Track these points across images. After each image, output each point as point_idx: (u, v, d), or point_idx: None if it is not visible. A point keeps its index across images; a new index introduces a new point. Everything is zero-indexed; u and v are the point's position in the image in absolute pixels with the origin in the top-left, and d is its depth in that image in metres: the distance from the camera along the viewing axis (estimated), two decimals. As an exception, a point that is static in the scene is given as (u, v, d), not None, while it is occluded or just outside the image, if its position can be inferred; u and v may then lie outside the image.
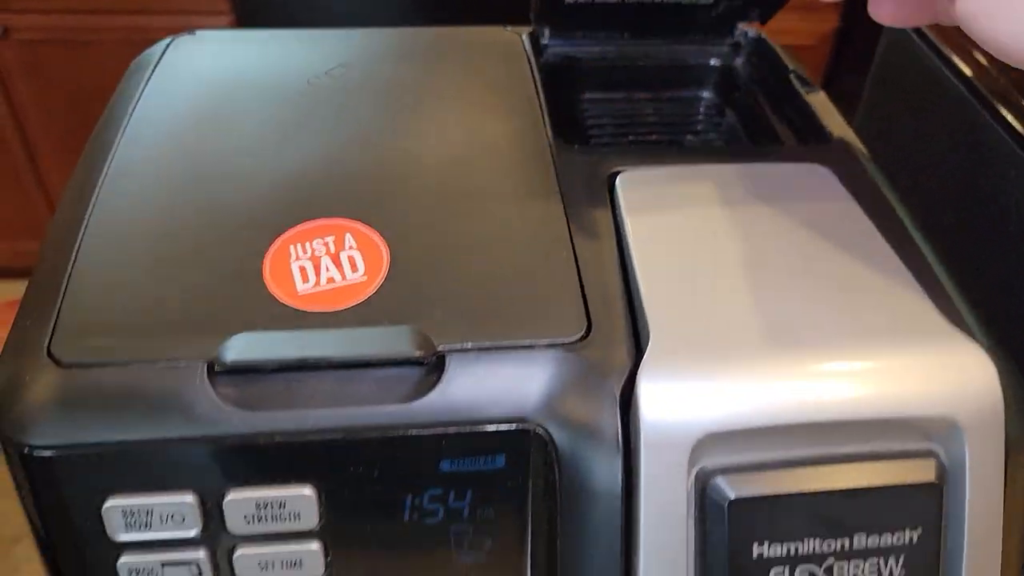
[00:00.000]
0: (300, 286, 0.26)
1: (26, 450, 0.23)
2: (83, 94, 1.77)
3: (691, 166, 0.31)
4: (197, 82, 0.35)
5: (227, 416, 0.24)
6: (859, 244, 0.27)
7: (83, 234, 0.27)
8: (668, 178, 0.30)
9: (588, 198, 0.30)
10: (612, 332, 0.25)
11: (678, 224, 0.28)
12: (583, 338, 0.25)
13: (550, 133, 0.33)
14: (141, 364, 0.24)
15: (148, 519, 0.25)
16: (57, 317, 0.25)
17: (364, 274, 0.27)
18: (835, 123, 0.35)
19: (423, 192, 0.30)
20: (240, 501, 0.25)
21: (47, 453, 0.23)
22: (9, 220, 1.94)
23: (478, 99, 0.35)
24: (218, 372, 0.24)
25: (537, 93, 0.35)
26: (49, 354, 0.24)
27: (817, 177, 0.30)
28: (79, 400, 0.24)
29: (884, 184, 0.31)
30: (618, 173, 0.31)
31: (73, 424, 0.23)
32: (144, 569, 0.25)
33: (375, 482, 0.25)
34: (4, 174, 1.85)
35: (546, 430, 0.24)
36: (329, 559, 0.26)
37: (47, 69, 1.70)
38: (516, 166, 0.31)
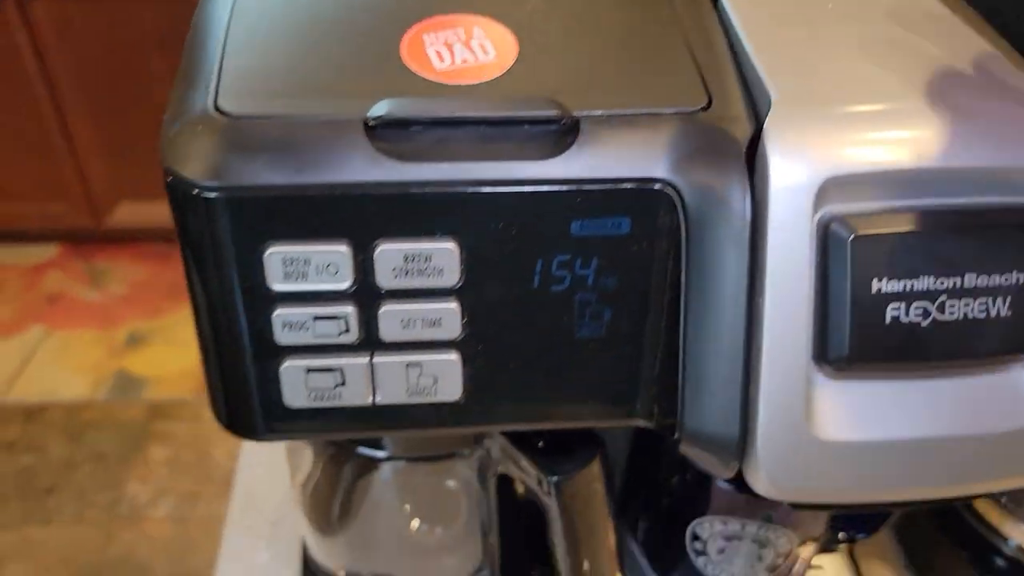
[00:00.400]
0: (437, 65, 0.28)
1: (196, 191, 0.25)
2: (114, 54, 1.79)
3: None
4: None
5: (382, 166, 0.26)
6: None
7: (231, 13, 0.29)
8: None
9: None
10: (731, 102, 0.27)
11: None
12: (705, 108, 0.27)
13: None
14: (304, 117, 0.26)
15: (305, 268, 0.26)
16: (219, 78, 0.27)
17: (496, 57, 0.28)
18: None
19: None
20: (390, 252, 0.26)
21: (217, 195, 0.25)
22: (37, 183, 1.96)
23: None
24: (374, 127, 0.26)
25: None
26: (216, 108, 0.26)
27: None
28: (247, 148, 0.25)
29: None
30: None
31: (241, 169, 0.25)
32: (296, 322, 0.27)
33: (511, 240, 0.27)
34: (33, 136, 1.88)
35: (675, 189, 0.26)
36: (465, 320, 0.28)
37: (77, 28, 1.73)
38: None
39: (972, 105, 0.25)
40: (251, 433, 0.30)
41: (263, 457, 0.59)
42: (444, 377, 0.29)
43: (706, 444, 0.28)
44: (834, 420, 0.27)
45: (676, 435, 0.29)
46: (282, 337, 0.27)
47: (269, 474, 0.58)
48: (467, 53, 0.28)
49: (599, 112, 0.27)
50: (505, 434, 0.35)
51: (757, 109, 0.27)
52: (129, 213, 2.04)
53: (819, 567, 0.45)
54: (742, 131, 0.27)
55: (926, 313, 0.25)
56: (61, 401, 1.79)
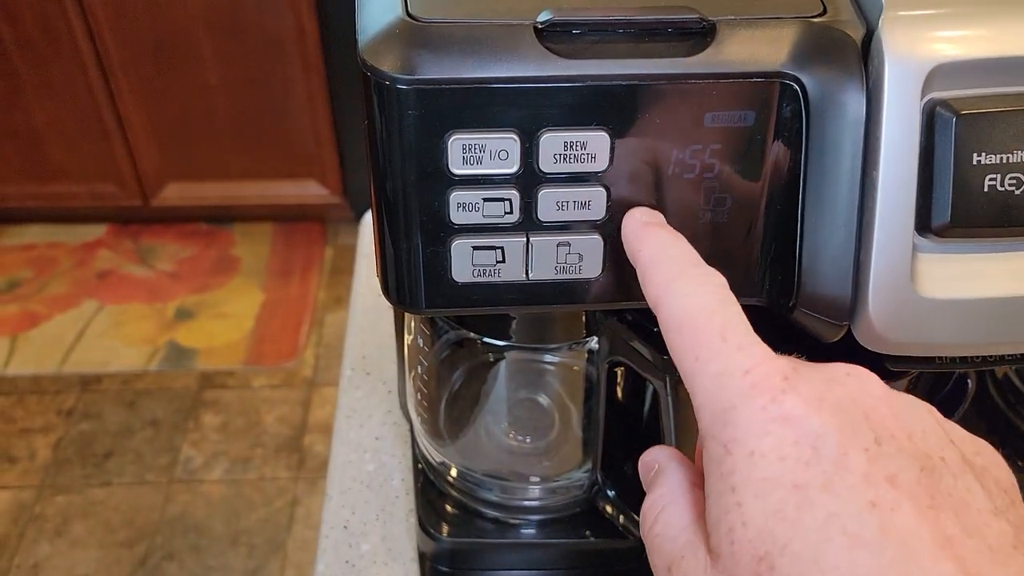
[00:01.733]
0: (586, -17, 0.32)
1: (391, 83, 0.30)
2: (166, 40, 1.85)
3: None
4: None
5: (548, 64, 0.30)
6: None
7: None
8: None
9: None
10: (842, 10, 0.32)
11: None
12: (821, 14, 0.31)
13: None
14: (482, 21, 0.30)
15: (480, 154, 0.31)
16: (408, -8, 0.31)
17: (636, -25, 0.33)
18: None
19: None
20: (552, 139, 0.31)
21: (410, 87, 0.30)
22: (89, 163, 2.03)
23: None
24: (542, 30, 0.30)
25: None
26: (408, 14, 0.30)
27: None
28: (434, 47, 0.30)
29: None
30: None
31: (430, 65, 0.30)
32: (469, 203, 0.32)
33: (654, 130, 0.31)
34: (85, 118, 1.94)
35: (800, 82, 0.31)
36: (609, 203, 0.32)
37: (129, 11, 1.78)
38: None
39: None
40: (416, 307, 0.35)
41: (363, 379, 0.64)
42: (588, 255, 0.33)
43: (822, 308, 0.33)
44: (935, 281, 0.31)
45: (792, 304, 0.33)
46: (456, 217, 0.32)
47: (368, 393, 0.63)
48: (611, -28, 0.33)
49: (732, 17, 0.31)
50: (623, 322, 0.40)
51: (867, 16, 0.31)
52: (176, 193, 2.10)
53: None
54: (856, 32, 0.31)
55: (1019, 183, 0.29)
56: (116, 371, 1.86)
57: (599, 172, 0.32)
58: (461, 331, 0.46)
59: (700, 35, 0.31)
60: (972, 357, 0.33)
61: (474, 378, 0.48)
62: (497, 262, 0.33)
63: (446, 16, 0.31)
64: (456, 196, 0.32)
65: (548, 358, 0.47)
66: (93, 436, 1.71)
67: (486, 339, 0.45)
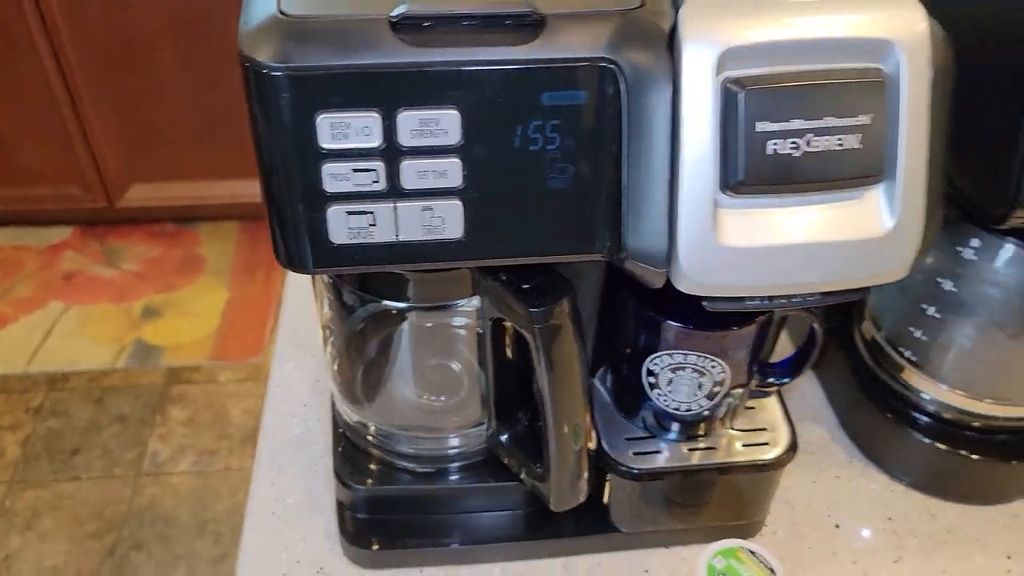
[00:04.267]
0: (440, -18, 0.37)
1: (266, 71, 0.35)
2: (126, 42, 1.88)
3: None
4: None
5: (402, 52, 0.35)
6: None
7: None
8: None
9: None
10: (659, 2, 0.37)
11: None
12: (640, 7, 0.37)
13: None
14: (346, 15, 0.36)
15: (346, 131, 0.36)
16: (281, -6, 0.36)
17: (484, -25, 0.38)
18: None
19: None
20: (408, 117, 0.36)
21: (282, 73, 0.35)
22: (54, 166, 2.06)
23: None
24: (396, 23, 0.35)
25: None
26: (280, 11, 0.36)
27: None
28: (303, 39, 0.35)
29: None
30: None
31: (299, 54, 0.35)
32: (339, 174, 0.37)
33: (498, 109, 0.36)
34: (48, 121, 1.97)
35: (617, 65, 0.36)
36: (465, 172, 0.38)
37: (90, 15, 1.82)
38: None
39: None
40: (304, 267, 0.40)
41: (293, 360, 0.69)
42: (450, 218, 0.39)
43: (644, 259, 0.38)
44: (734, 231, 0.36)
45: (623, 256, 0.39)
46: (329, 186, 0.37)
47: (300, 371, 0.68)
48: (461, -27, 0.38)
49: (560, 11, 0.36)
50: (497, 281, 0.45)
51: (677, 8, 0.37)
52: (141, 194, 2.14)
53: (752, 407, 0.55)
54: (665, 22, 0.36)
55: (797, 147, 0.35)
56: (83, 370, 1.89)
57: (453, 145, 0.37)
58: (371, 303, 0.51)
59: (532, 26, 0.36)
60: (776, 296, 0.39)
61: (388, 345, 0.53)
62: (369, 225, 0.38)
63: (314, 12, 0.36)
64: (328, 168, 0.37)
65: (456, 322, 0.52)
66: (61, 433, 1.74)
67: (386, 302, 0.50)
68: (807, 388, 0.68)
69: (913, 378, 0.58)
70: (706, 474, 0.53)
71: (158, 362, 1.90)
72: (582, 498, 0.51)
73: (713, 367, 0.49)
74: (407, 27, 0.36)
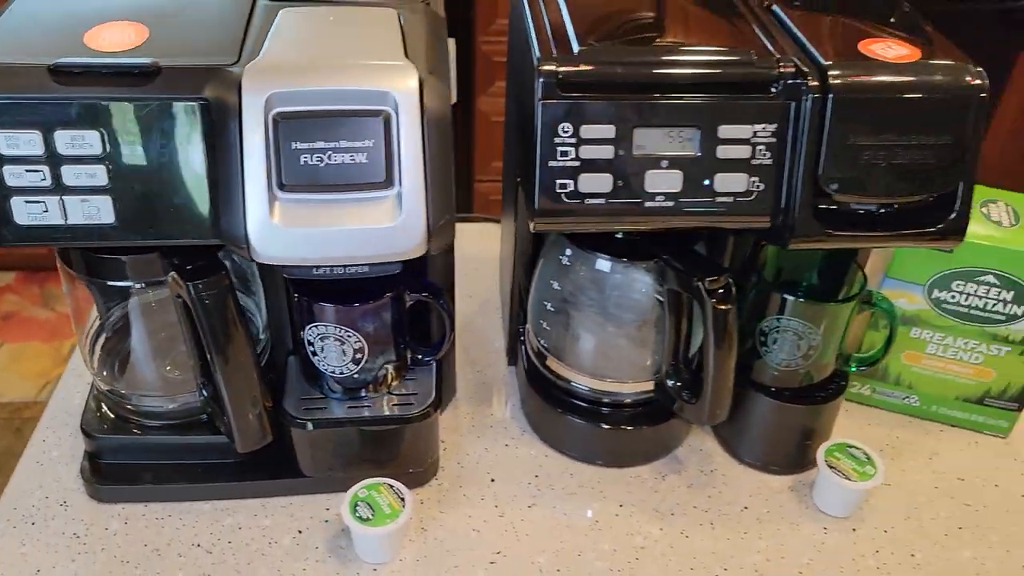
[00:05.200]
0: (100, 42, 0.54)
1: (-39, 102, 0.51)
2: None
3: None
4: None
5: (57, 89, 0.51)
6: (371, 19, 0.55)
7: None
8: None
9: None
10: (246, 58, 0.54)
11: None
12: (235, 63, 0.53)
13: None
14: (18, 63, 0.52)
15: (18, 142, 0.52)
16: (-21, 49, 0.53)
17: (135, 39, 0.55)
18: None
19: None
20: (63, 135, 0.52)
21: (-29, 103, 0.51)
22: None
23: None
24: (54, 69, 0.52)
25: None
26: (-26, 61, 0.52)
27: None
28: (-13, 80, 0.51)
29: None
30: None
31: (-17, 91, 0.51)
32: (16, 173, 0.53)
33: (131, 130, 0.52)
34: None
35: (208, 102, 0.52)
36: (110, 175, 0.53)
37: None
38: (231, 7, 0.59)
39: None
40: (3, 242, 0.55)
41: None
42: (103, 208, 0.54)
43: (231, 240, 0.54)
44: (286, 218, 0.52)
45: (222, 240, 0.54)
46: (11, 182, 0.53)
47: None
48: (117, 37, 0.55)
49: (180, 64, 0.53)
50: (169, 261, 0.60)
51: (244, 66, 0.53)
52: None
53: (411, 379, 0.70)
54: (239, 74, 0.53)
55: (320, 160, 0.51)
56: (6, 401, 2.02)
57: (98, 155, 0.53)
58: (99, 285, 0.66)
59: (152, 74, 0.52)
60: (326, 265, 0.55)
61: (124, 322, 0.69)
62: (43, 212, 0.54)
63: (7, 60, 0.52)
64: (8, 169, 0.53)
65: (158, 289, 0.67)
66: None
67: (109, 282, 0.65)
68: (511, 378, 0.83)
69: (553, 364, 0.74)
70: (356, 425, 0.67)
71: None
72: (261, 443, 0.66)
73: (349, 336, 0.64)
74: (61, 73, 0.52)
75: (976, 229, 0.70)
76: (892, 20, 0.62)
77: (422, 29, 0.59)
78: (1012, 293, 0.70)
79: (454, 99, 0.71)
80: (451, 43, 0.68)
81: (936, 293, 0.72)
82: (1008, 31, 2.02)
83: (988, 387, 0.76)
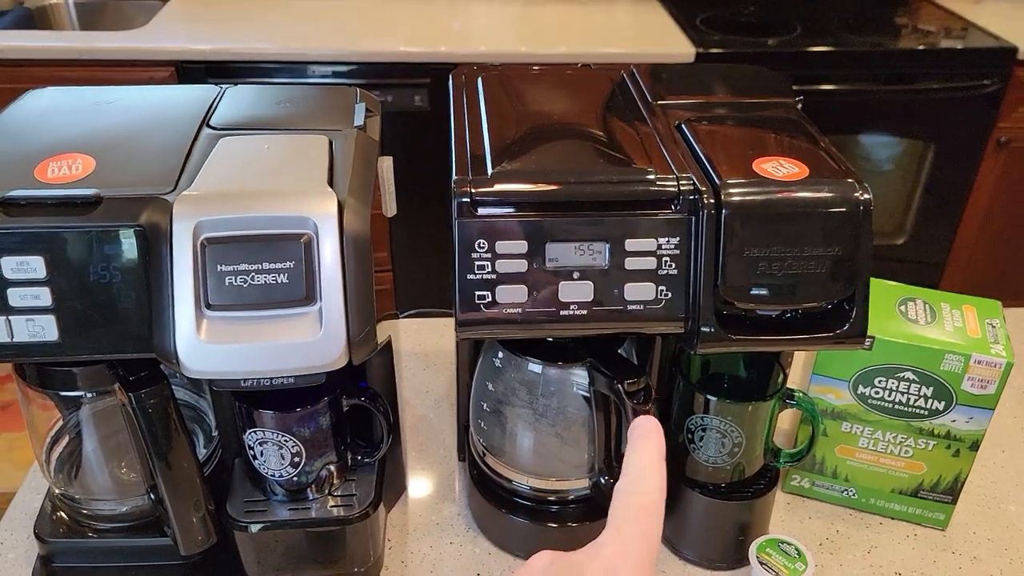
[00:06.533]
0: (48, 175, 0.59)
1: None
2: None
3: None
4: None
5: (7, 222, 0.56)
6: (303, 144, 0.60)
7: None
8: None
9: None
10: (182, 188, 0.58)
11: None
12: (171, 191, 0.58)
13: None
14: (-31, 198, 0.57)
15: (-32, 269, 0.56)
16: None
17: (81, 170, 0.59)
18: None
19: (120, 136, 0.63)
20: (8, 260, 0.56)
21: (-75, 234, 0.56)
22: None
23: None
24: (3, 202, 0.56)
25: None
26: (-69, 195, 0.57)
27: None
28: (-59, 213, 0.56)
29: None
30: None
31: (-63, 222, 0.56)
32: (-33, 297, 0.57)
33: (74, 256, 0.57)
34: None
35: (144, 228, 0.56)
36: (53, 295, 0.57)
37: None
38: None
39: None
40: (-46, 360, 0.59)
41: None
42: (47, 327, 0.58)
43: (165, 356, 0.57)
44: (213, 335, 0.56)
45: (156, 355, 0.58)
46: (-39, 304, 0.57)
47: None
48: (65, 169, 0.60)
49: (115, 192, 0.57)
50: (113, 371, 0.64)
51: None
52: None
53: (353, 480, 0.72)
54: (172, 202, 0.57)
55: (244, 281, 0.55)
56: (1, 492, 2.04)
57: (43, 279, 0.57)
58: (52, 396, 0.70)
59: (94, 204, 0.57)
60: (252, 377, 0.58)
61: (77, 429, 0.72)
62: (-11, 331, 0.58)
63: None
64: (-41, 292, 0.57)
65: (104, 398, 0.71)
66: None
67: (62, 392, 0.69)
68: (462, 474, 0.85)
69: (492, 462, 0.76)
70: (296, 527, 0.70)
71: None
72: (204, 545, 0.68)
73: (286, 441, 0.67)
74: (9, 205, 0.56)
75: (893, 327, 0.73)
76: (791, 139, 0.66)
77: (351, 154, 0.64)
78: (932, 389, 0.73)
79: (393, 212, 0.76)
80: (388, 161, 0.73)
81: (861, 389, 0.75)
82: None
83: (921, 480, 0.78)
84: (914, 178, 2.20)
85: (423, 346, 1.04)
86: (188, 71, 1.90)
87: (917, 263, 2.32)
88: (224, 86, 0.76)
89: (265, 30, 1.98)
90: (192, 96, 0.73)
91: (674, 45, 1.96)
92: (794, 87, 0.77)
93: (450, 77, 0.78)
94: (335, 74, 1.94)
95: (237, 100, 0.73)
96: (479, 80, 0.77)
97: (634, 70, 0.80)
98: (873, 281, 0.75)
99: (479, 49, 1.93)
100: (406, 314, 1.07)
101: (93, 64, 1.91)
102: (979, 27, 2.15)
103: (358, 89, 0.76)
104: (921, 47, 2.05)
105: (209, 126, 0.67)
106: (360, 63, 1.92)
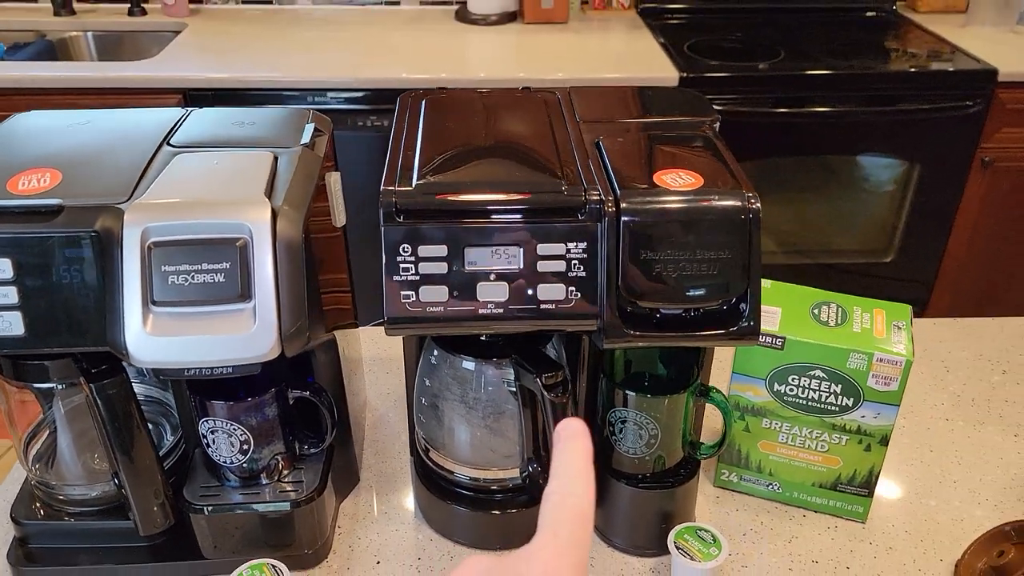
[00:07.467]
0: (22, 186, 0.66)
1: (-100, 238, 0.63)
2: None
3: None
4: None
5: (-23, 226, 0.63)
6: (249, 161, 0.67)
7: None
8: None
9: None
10: (137, 197, 0.65)
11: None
12: (127, 200, 0.65)
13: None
14: (-53, 207, 0.64)
15: (-55, 270, 0.63)
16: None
17: (49, 183, 0.67)
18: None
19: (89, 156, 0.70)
20: (-19, 262, 0.63)
21: (-92, 238, 0.63)
22: None
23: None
24: (-25, 211, 0.63)
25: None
26: (-86, 205, 0.64)
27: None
28: (-78, 220, 0.63)
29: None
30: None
31: (-82, 228, 0.63)
32: (-56, 294, 0.64)
33: (38, 257, 0.64)
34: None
35: (99, 234, 0.63)
36: (21, 294, 0.64)
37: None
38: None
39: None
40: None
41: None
42: (14, 323, 0.65)
43: (116, 348, 0.64)
44: (158, 328, 0.62)
45: (109, 348, 0.65)
46: (-61, 301, 0.64)
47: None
48: (35, 182, 0.67)
49: (75, 202, 0.64)
50: (78, 365, 0.70)
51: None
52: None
53: (301, 467, 0.78)
54: (116, 213, 0.64)
55: (186, 280, 0.62)
56: None
57: (10, 279, 0.64)
58: (24, 387, 0.76)
59: (55, 213, 0.64)
60: (193, 368, 0.64)
61: (50, 419, 0.79)
62: (-35, 325, 0.65)
63: (-68, 205, 0.64)
64: (-63, 291, 0.64)
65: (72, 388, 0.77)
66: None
67: (35, 386, 0.75)
68: (414, 468, 0.91)
69: (433, 455, 0.82)
70: (245, 510, 0.76)
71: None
72: (163, 526, 0.74)
73: (235, 430, 0.73)
74: (-19, 213, 0.64)
75: (804, 329, 0.78)
76: (695, 154, 0.72)
77: (293, 168, 0.70)
78: (840, 386, 0.77)
79: (342, 222, 0.83)
80: (336, 176, 0.80)
81: (777, 386, 0.80)
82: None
83: (838, 474, 0.82)
84: (901, 197, 2.24)
85: (387, 352, 1.10)
86: (195, 98, 1.99)
87: (907, 281, 2.35)
88: (190, 109, 0.83)
89: (271, 59, 2.07)
90: (159, 118, 0.80)
91: (660, 70, 2.03)
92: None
93: (397, 100, 0.85)
94: (334, 99, 2.02)
95: (199, 121, 0.80)
96: (423, 102, 0.83)
97: (569, 92, 0.86)
98: (789, 287, 0.81)
99: (478, 75, 2.01)
100: (373, 323, 1.13)
101: (106, 92, 2.01)
102: (962, 50, 2.19)
103: (312, 111, 0.83)
104: (907, 69, 2.10)
105: (169, 144, 0.74)
106: (362, 89, 2.01)
